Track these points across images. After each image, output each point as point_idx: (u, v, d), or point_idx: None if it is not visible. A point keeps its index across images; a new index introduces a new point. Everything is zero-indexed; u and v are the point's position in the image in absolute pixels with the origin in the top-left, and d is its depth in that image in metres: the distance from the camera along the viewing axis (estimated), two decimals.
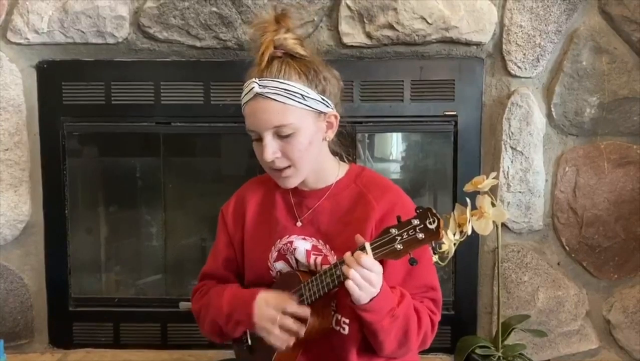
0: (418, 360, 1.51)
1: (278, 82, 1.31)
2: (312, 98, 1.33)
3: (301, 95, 1.32)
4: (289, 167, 1.35)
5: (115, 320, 2.18)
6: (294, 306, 1.31)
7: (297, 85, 1.32)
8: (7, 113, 2.07)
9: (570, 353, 2.14)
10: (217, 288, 1.47)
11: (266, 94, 1.30)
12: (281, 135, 1.32)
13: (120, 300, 2.23)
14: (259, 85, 1.30)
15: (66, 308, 2.18)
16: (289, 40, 1.34)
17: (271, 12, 1.37)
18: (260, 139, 1.33)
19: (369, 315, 1.26)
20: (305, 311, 1.31)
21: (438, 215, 1.16)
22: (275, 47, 1.33)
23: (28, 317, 2.18)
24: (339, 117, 1.41)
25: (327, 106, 1.37)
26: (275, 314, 1.31)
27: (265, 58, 1.32)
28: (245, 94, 1.34)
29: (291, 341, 1.31)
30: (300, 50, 1.35)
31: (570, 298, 2.11)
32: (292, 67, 1.33)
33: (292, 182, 1.39)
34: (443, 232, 1.17)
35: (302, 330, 1.30)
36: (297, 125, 1.32)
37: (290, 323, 1.30)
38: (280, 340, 1.31)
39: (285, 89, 1.30)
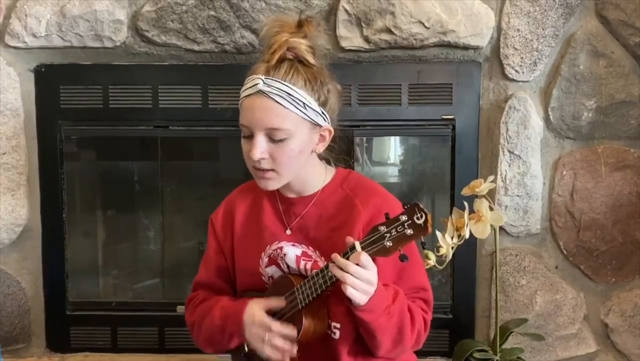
0: (415, 359, 1.51)
1: (283, 84, 1.30)
2: (313, 109, 1.33)
3: (303, 103, 1.31)
4: (272, 170, 1.34)
5: (112, 324, 2.17)
6: (278, 326, 1.31)
7: (301, 93, 1.31)
8: (4, 117, 2.07)
9: (568, 357, 2.14)
10: (208, 302, 1.46)
11: (269, 93, 1.29)
12: (273, 139, 1.31)
13: (117, 304, 2.22)
14: (264, 83, 1.29)
15: (63, 312, 2.17)
16: (303, 46, 1.33)
17: (295, 15, 1.37)
18: (250, 136, 1.33)
19: (366, 314, 1.26)
20: (291, 331, 1.31)
21: (425, 210, 1.16)
22: (287, 49, 1.32)
23: (25, 321, 2.17)
24: (332, 133, 1.40)
25: (325, 120, 1.36)
26: (262, 333, 1.31)
27: (276, 57, 1.31)
28: (247, 88, 1.32)
29: (286, 356, 1.31)
30: (310, 59, 1.34)
31: (568, 302, 2.11)
32: (300, 73, 1.32)
33: (272, 185, 1.38)
34: (431, 226, 1.17)
35: (293, 349, 1.31)
36: (292, 132, 1.31)
37: (278, 342, 1.30)
38: (273, 356, 1.31)
39: (289, 94, 1.30)
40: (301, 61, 1.33)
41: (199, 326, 1.45)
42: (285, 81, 1.30)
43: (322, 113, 1.35)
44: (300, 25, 1.35)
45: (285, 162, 1.33)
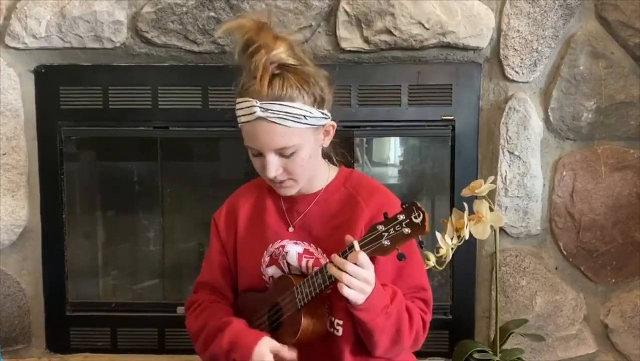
0: (413, 360, 1.51)
1: (280, 104, 1.27)
2: (313, 117, 1.32)
3: (304, 115, 1.29)
4: (290, 179, 1.35)
5: (112, 325, 2.17)
6: None
7: (298, 106, 1.29)
8: (4, 118, 2.07)
9: (569, 358, 2.13)
10: (216, 320, 1.43)
11: (268, 118, 1.27)
12: (284, 155, 1.31)
13: (117, 305, 2.22)
14: (261, 109, 1.27)
15: (63, 313, 2.17)
16: (282, 54, 1.29)
17: (252, 23, 1.30)
18: (260, 154, 1.33)
19: (364, 314, 1.27)
20: None
21: (423, 209, 1.17)
22: (270, 64, 1.28)
23: (25, 322, 2.17)
24: (335, 126, 1.40)
25: (325, 118, 1.36)
26: None
27: (266, 82, 1.27)
28: (245, 115, 1.29)
29: None
30: (292, 61, 1.31)
31: (568, 303, 2.11)
32: (291, 82, 1.29)
33: (292, 191, 1.39)
34: (429, 225, 1.17)
35: None
36: (300, 145, 1.31)
37: None
38: None
39: (288, 112, 1.28)
40: (287, 66, 1.30)
41: (204, 342, 1.42)
42: (281, 100, 1.28)
43: (322, 114, 1.34)
44: (262, 28, 1.30)
45: (300, 171, 1.35)
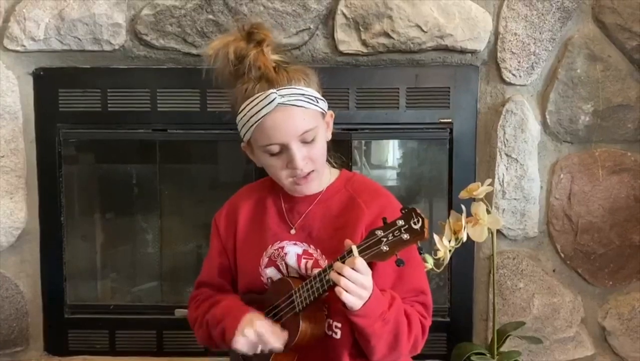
0: None
1: (294, 88, 1.31)
2: (321, 100, 1.36)
3: (314, 97, 1.34)
4: (313, 170, 1.36)
5: (110, 327, 2.18)
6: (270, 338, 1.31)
7: (306, 89, 1.33)
8: (3, 121, 2.08)
9: (566, 360, 2.14)
10: (216, 297, 1.47)
11: (288, 102, 1.30)
12: (306, 141, 1.33)
13: (115, 307, 2.22)
14: (279, 95, 1.30)
15: (62, 315, 2.17)
16: (271, 52, 1.35)
17: (237, 33, 1.37)
18: (279, 152, 1.34)
19: (361, 319, 1.26)
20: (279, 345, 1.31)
21: (422, 215, 1.16)
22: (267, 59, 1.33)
23: (23, 324, 2.17)
24: (334, 115, 1.43)
25: (326, 104, 1.40)
26: (255, 339, 1.31)
27: (271, 71, 1.32)
28: (262, 107, 1.31)
29: None
30: (279, 57, 1.36)
31: (566, 305, 2.12)
32: (292, 73, 1.34)
33: (315, 186, 1.40)
34: (428, 231, 1.17)
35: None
36: (317, 128, 1.34)
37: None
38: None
39: (302, 94, 1.32)
40: (278, 62, 1.35)
41: (202, 318, 1.45)
42: (292, 85, 1.32)
43: (324, 100, 1.38)
44: (251, 37, 1.35)
45: (321, 158, 1.37)
